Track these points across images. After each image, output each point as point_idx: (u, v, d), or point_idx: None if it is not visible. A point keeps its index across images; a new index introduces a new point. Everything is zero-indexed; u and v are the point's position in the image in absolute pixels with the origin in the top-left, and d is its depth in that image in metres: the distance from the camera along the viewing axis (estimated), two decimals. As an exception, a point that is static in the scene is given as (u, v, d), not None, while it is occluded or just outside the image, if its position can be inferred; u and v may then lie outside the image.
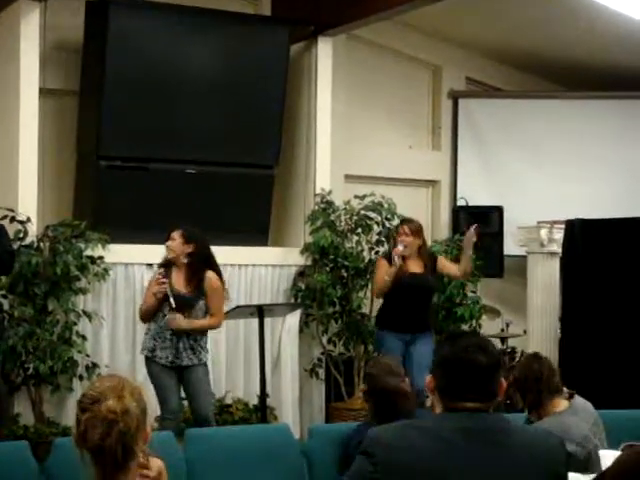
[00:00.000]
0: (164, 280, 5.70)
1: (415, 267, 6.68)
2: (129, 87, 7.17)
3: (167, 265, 5.82)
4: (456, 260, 7.17)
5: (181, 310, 5.69)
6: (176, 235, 5.78)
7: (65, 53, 7.40)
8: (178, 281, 5.75)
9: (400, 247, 6.60)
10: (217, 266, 5.88)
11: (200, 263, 5.78)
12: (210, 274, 5.78)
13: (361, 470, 2.42)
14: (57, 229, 6.63)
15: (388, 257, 6.78)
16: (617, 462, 2.48)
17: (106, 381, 2.30)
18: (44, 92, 6.96)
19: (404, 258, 6.65)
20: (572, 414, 3.99)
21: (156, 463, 2.41)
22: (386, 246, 7.69)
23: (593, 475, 3.00)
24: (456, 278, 7.23)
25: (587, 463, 3.83)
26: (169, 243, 5.79)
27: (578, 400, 4.11)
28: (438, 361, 2.55)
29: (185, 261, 5.76)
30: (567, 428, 3.82)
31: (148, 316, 5.82)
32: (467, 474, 2.36)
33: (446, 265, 6.90)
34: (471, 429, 2.42)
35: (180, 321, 5.69)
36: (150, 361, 5.78)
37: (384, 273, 6.63)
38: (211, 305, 5.78)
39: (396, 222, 7.72)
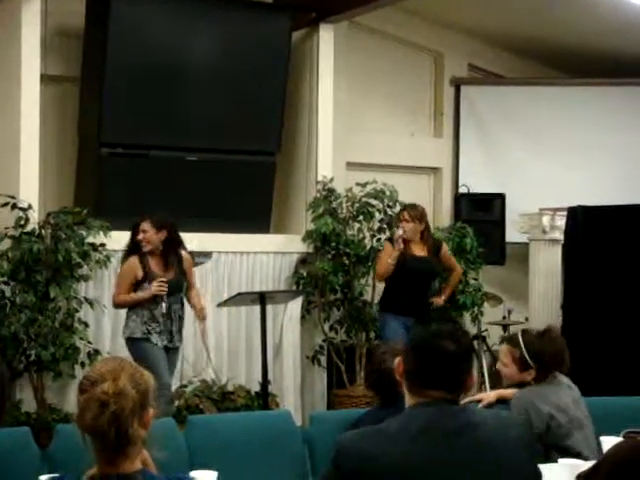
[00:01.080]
0: (165, 280, 5.86)
1: (418, 250, 6.84)
2: (130, 74, 7.16)
3: (134, 251, 5.97)
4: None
5: (172, 294, 5.91)
6: (147, 226, 5.92)
7: (66, 39, 7.38)
8: (157, 266, 5.95)
9: (400, 231, 6.74)
10: (182, 241, 6.11)
11: (175, 246, 5.99)
12: (184, 253, 6.07)
13: (330, 478, 2.42)
14: (59, 216, 6.63)
15: (392, 241, 6.89)
16: (614, 451, 2.49)
17: (106, 364, 2.31)
18: (45, 79, 6.95)
19: (406, 242, 6.77)
20: (554, 385, 4.00)
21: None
22: (390, 231, 7.69)
23: (589, 462, 3.00)
24: (454, 271, 7.25)
25: (569, 430, 3.84)
26: (142, 236, 5.91)
27: (561, 377, 4.11)
28: (408, 345, 2.53)
29: (161, 248, 5.93)
30: (543, 396, 3.86)
31: (128, 306, 6.00)
32: (433, 476, 2.34)
33: (450, 256, 7.11)
34: (436, 428, 2.39)
35: (205, 317, 6.20)
36: (143, 341, 5.88)
37: (388, 256, 6.72)
38: (191, 280, 6.13)
39: (398, 209, 7.73)
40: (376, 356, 4.21)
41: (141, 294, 5.91)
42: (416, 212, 6.87)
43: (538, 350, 4.01)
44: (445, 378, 2.43)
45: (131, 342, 5.93)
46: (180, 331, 6.05)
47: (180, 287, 6.02)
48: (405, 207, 7.01)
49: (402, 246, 6.72)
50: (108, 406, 2.19)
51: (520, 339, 4.05)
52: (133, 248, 5.97)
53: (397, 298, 6.81)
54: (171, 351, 6.01)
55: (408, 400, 2.50)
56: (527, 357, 3.98)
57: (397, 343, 4.36)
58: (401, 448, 2.35)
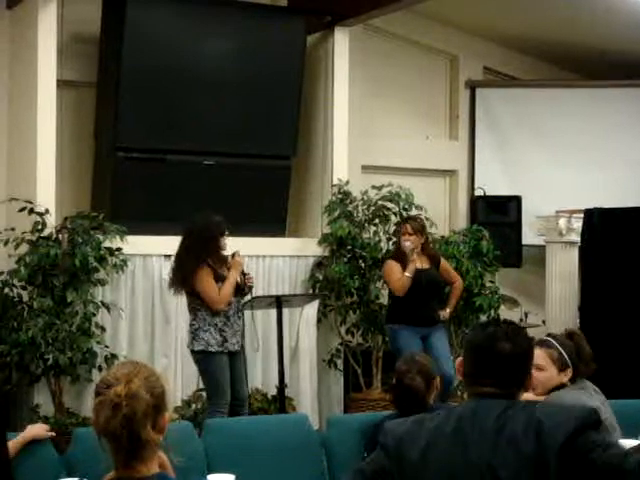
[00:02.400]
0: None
1: (420, 263, 6.82)
2: (146, 78, 7.18)
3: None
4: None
5: (236, 294, 5.97)
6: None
7: (82, 45, 7.41)
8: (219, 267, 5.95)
9: (408, 244, 6.75)
10: None
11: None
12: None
13: (378, 461, 2.45)
14: (75, 221, 6.65)
15: (396, 257, 6.88)
16: None
17: (123, 367, 2.33)
18: (61, 84, 6.98)
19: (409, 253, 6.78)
20: (579, 389, 4.00)
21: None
22: (393, 246, 7.70)
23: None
24: (455, 283, 7.13)
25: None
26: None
27: (587, 382, 4.11)
28: (466, 346, 2.56)
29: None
30: (576, 401, 3.85)
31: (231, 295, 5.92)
32: (469, 466, 2.35)
33: (449, 268, 7.13)
34: (472, 416, 2.40)
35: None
36: (218, 355, 5.83)
37: (399, 272, 6.76)
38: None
39: (414, 212, 7.72)
40: (401, 372, 4.19)
41: (232, 273, 5.86)
42: (417, 225, 6.88)
43: (572, 349, 4.02)
44: (499, 377, 2.45)
45: (203, 356, 5.84)
46: (244, 332, 6.09)
47: (242, 286, 6.02)
48: (406, 220, 7.02)
49: (415, 257, 6.74)
50: (120, 408, 2.21)
51: (553, 341, 4.05)
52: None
53: (407, 311, 6.78)
54: (241, 352, 6.04)
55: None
56: (565, 356, 3.99)
57: (422, 357, 4.35)
58: (434, 426, 2.41)
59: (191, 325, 5.93)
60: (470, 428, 2.39)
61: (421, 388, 4.08)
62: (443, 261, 7.12)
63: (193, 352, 5.92)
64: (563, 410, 2.43)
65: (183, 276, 5.84)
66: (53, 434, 4.08)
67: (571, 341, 4.10)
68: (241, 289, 5.99)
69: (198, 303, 5.86)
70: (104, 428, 2.23)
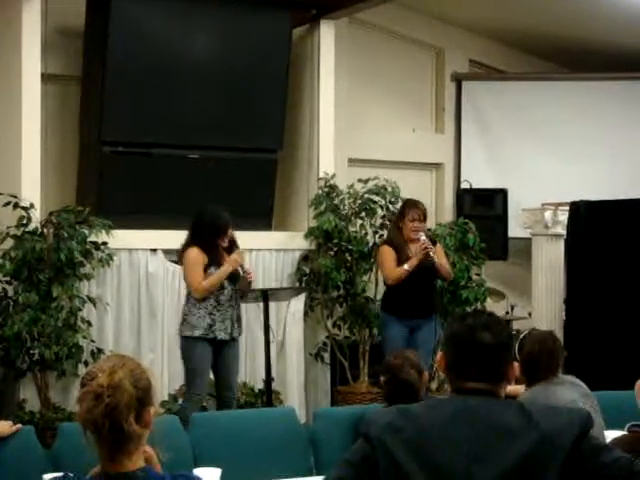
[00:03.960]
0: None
1: (414, 250, 6.63)
2: (131, 72, 7.15)
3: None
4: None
5: (233, 281, 5.95)
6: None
7: (67, 38, 7.38)
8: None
9: (422, 236, 6.54)
10: None
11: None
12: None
13: (360, 451, 2.43)
14: (60, 215, 6.62)
15: (390, 242, 6.74)
16: (614, 443, 2.50)
17: (109, 360, 2.33)
18: (46, 77, 6.94)
19: (409, 241, 6.63)
20: (554, 384, 4.03)
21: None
22: (389, 231, 7.66)
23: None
24: (443, 274, 6.83)
25: None
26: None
27: (565, 376, 4.14)
28: (446, 339, 2.53)
29: None
30: (551, 394, 3.89)
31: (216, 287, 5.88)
32: (455, 461, 2.32)
33: (442, 257, 6.81)
34: (463, 413, 2.37)
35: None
36: (197, 341, 5.81)
37: (393, 260, 6.60)
38: None
39: (399, 205, 7.71)
40: (393, 366, 4.19)
41: (224, 268, 5.82)
42: (423, 210, 6.68)
43: (532, 345, 4.12)
44: (483, 370, 2.42)
45: (187, 341, 5.85)
46: (240, 321, 6.02)
47: (239, 275, 5.97)
48: (410, 206, 6.74)
49: (432, 248, 6.52)
50: (102, 399, 2.21)
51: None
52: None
53: (399, 301, 6.65)
54: (232, 343, 5.95)
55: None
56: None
57: (411, 352, 4.36)
58: (420, 420, 2.38)
59: (183, 310, 5.97)
60: (458, 426, 2.35)
61: (415, 381, 4.10)
62: (438, 248, 6.86)
63: (181, 338, 5.93)
64: (560, 413, 2.41)
65: (179, 256, 5.96)
66: (19, 427, 4.05)
67: (541, 338, 4.14)
68: (236, 277, 5.93)
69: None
70: (86, 419, 2.23)
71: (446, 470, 2.32)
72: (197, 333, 5.80)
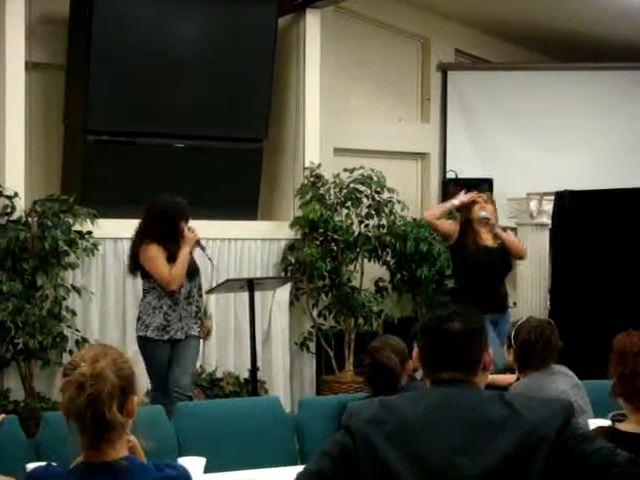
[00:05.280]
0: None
1: (488, 240, 6.37)
2: (116, 61, 7.12)
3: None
4: None
5: (190, 278, 5.66)
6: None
7: (51, 26, 7.35)
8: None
9: (483, 213, 6.27)
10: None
11: None
12: None
13: (340, 443, 2.42)
14: (45, 204, 6.60)
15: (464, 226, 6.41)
16: None
17: (91, 349, 2.33)
18: (30, 66, 6.91)
19: (478, 226, 6.32)
20: (549, 374, 4.05)
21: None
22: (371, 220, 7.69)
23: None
24: (515, 251, 6.43)
25: None
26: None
27: (557, 366, 4.16)
28: (418, 333, 2.53)
29: None
30: (544, 384, 3.91)
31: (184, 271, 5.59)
32: (439, 454, 2.32)
33: (510, 239, 6.44)
34: (445, 405, 2.38)
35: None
36: (152, 342, 5.53)
37: (452, 226, 6.38)
38: None
39: (386, 195, 7.74)
40: (373, 350, 4.19)
41: (183, 250, 5.49)
42: (487, 195, 6.43)
43: (528, 334, 4.11)
44: (456, 359, 2.42)
45: (143, 342, 5.57)
46: (197, 318, 5.68)
47: (198, 270, 5.74)
48: (471, 190, 6.47)
49: (492, 222, 6.23)
50: (85, 388, 2.21)
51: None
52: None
53: (473, 294, 6.16)
54: (189, 340, 5.62)
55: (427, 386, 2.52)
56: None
57: (396, 339, 4.35)
58: (402, 412, 2.38)
59: (138, 309, 5.70)
60: (441, 418, 2.36)
61: (395, 366, 4.08)
62: (508, 233, 6.48)
63: (137, 336, 5.64)
64: (542, 404, 2.41)
65: (134, 255, 5.57)
66: (3, 417, 4.03)
67: (536, 328, 4.15)
68: (192, 272, 5.65)
69: (148, 286, 5.58)
70: (69, 408, 2.23)
71: (430, 463, 2.31)
72: (151, 334, 5.52)
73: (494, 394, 2.44)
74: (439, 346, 2.45)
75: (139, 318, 5.61)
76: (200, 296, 5.77)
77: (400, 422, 2.37)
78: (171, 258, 5.50)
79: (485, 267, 6.25)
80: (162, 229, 5.52)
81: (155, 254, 5.48)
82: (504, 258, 6.36)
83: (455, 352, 2.43)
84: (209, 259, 6.15)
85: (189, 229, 5.58)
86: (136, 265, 5.59)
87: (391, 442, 2.35)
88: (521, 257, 6.59)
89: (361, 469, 2.36)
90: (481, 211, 6.32)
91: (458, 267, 6.50)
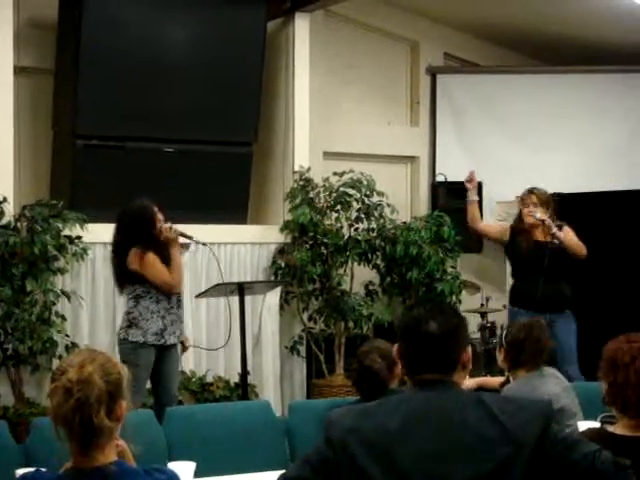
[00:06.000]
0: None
1: (541, 235, 6.33)
2: (105, 65, 7.11)
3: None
4: None
5: None
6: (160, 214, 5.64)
7: (40, 31, 7.33)
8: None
9: (537, 215, 6.26)
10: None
11: None
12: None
13: (320, 453, 2.41)
14: (34, 209, 6.59)
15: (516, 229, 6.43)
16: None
17: (79, 354, 2.33)
18: (18, 70, 6.90)
19: (530, 226, 6.30)
20: (539, 377, 4.07)
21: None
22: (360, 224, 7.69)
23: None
24: (574, 250, 6.35)
25: (559, 419, 3.91)
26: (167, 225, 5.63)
27: (547, 368, 4.18)
28: (397, 333, 2.54)
29: None
30: (534, 388, 3.93)
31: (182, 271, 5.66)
32: (419, 462, 2.31)
33: (568, 238, 6.35)
34: (425, 411, 2.37)
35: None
36: (146, 347, 5.47)
37: (499, 229, 6.53)
38: None
39: (375, 199, 7.75)
40: (360, 354, 4.18)
41: (173, 251, 5.53)
42: (544, 195, 6.36)
43: (519, 334, 4.12)
44: (434, 359, 2.43)
45: (135, 346, 5.46)
46: (182, 322, 5.75)
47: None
48: (531, 190, 6.44)
49: (548, 222, 6.15)
50: (72, 393, 2.21)
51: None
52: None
53: (527, 291, 6.22)
54: (175, 347, 5.65)
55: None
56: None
57: (384, 342, 4.33)
58: (381, 421, 2.37)
59: (129, 313, 5.57)
60: (420, 425, 2.35)
61: (382, 370, 4.06)
62: (567, 230, 6.38)
63: (125, 341, 5.53)
64: (520, 408, 2.39)
65: (122, 266, 5.53)
66: None
67: (526, 328, 4.16)
68: None
69: (143, 290, 5.53)
70: (57, 414, 2.23)
71: (410, 472, 2.30)
72: (150, 339, 5.48)
73: (473, 398, 2.43)
74: (417, 348, 2.45)
75: (133, 324, 5.53)
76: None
77: (379, 430, 2.35)
78: (163, 261, 5.52)
79: (535, 263, 6.19)
80: (144, 235, 5.51)
81: (153, 260, 5.49)
82: (560, 254, 6.22)
83: (433, 353, 2.43)
84: (203, 244, 6.17)
85: (169, 228, 5.58)
86: (124, 276, 5.55)
87: (371, 451, 2.34)
88: (581, 256, 6.37)
89: (342, 478, 2.36)
90: (535, 214, 6.25)
91: (512, 267, 6.52)
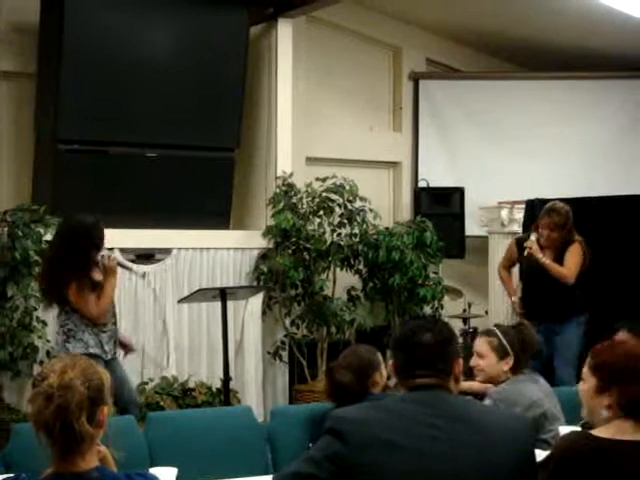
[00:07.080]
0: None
1: (547, 254, 6.28)
2: (87, 69, 7.09)
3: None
4: None
5: None
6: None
7: (21, 34, 7.31)
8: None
9: (532, 238, 6.24)
10: None
11: None
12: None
13: (330, 448, 2.43)
14: (15, 214, 6.55)
15: (520, 241, 6.46)
16: (560, 442, 2.61)
17: (60, 360, 2.32)
18: (0, 75, 6.87)
19: (541, 247, 6.27)
20: (521, 381, 4.09)
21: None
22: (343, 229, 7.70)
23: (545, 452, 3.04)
24: (552, 274, 6.28)
25: (542, 423, 3.95)
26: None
27: (531, 374, 4.21)
28: (392, 346, 2.67)
29: None
30: (520, 390, 3.96)
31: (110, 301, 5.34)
32: (438, 444, 2.41)
33: (566, 258, 6.29)
34: (432, 404, 2.49)
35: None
36: (94, 357, 4.93)
37: (509, 254, 6.60)
38: None
39: (358, 204, 7.76)
40: (330, 369, 4.14)
41: (111, 282, 5.19)
42: (562, 218, 6.20)
43: (515, 339, 4.12)
44: (429, 367, 2.55)
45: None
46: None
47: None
48: (552, 211, 6.24)
49: (530, 251, 6.16)
50: (53, 399, 2.20)
51: (496, 330, 4.20)
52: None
53: (531, 304, 6.37)
54: (117, 360, 5.38)
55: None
56: (506, 344, 4.10)
57: (364, 349, 4.26)
58: (389, 410, 2.49)
59: (63, 325, 5.22)
60: (423, 412, 2.47)
61: (350, 383, 3.98)
62: (571, 248, 6.26)
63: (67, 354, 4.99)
64: (511, 416, 2.64)
65: (58, 289, 5.15)
66: None
67: (516, 331, 4.20)
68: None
69: (71, 307, 5.18)
70: (37, 420, 2.22)
71: (428, 454, 2.40)
72: (92, 351, 5.12)
73: (468, 398, 2.54)
74: (413, 356, 2.57)
75: (70, 335, 5.19)
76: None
77: (384, 421, 2.44)
78: (94, 287, 5.17)
79: (533, 275, 6.33)
80: (86, 258, 5.17)
81: (86, 292, 5.13)
82: (540, 270, 6.25)
83: (428, 361, 2.55)
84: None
85: (109, 258, 5.25)
86: (57, 295, 5.21)
87: (379, 440, 2.41)
88: (564, 283, 6.29)
89: (353, 472, 2.40)
90: (532, 236, 6.28)
91: (519, 279, 6.62)
